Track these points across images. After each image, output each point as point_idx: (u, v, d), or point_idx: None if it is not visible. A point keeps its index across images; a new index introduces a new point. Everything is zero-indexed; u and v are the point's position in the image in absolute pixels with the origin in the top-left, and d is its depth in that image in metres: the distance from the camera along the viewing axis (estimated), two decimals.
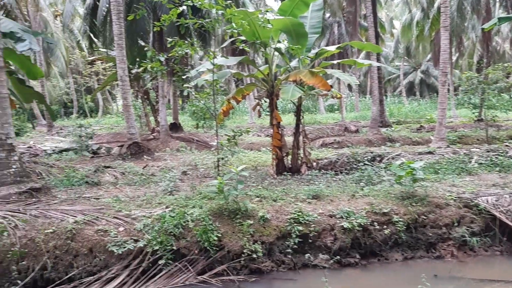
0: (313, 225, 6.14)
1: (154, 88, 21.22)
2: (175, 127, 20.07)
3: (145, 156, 12.49)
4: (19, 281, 5.26)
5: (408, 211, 6.56)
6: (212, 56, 7.59)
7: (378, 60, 22.50)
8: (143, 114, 21.73)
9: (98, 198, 7.22)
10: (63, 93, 40.99)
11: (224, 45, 9.20)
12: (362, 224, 6.24)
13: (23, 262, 5.41)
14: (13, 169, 6.92)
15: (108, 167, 9.97)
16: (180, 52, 6.97)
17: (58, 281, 5.34)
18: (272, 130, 9.64)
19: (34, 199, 6.65)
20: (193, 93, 7.77)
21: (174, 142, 16.57)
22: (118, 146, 13.90)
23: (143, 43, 8.70)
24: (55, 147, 15.03)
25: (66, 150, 14.23)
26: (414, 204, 6.68)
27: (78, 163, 11.17)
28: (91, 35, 18.31)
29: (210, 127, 24.46)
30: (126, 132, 13.68)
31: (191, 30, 17.35)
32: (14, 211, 6.06)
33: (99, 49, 20.54)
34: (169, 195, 7.39)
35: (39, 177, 8.24)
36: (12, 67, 12.59)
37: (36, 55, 25.03)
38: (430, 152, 11.44)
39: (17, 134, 8.32)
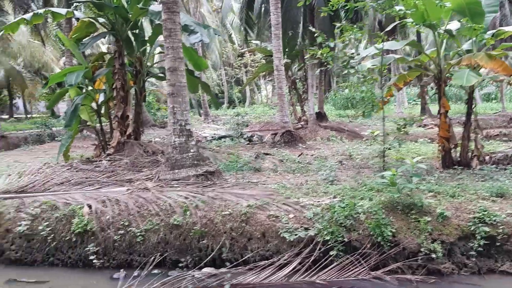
0: (501, 227, 5.43)
1: (300, 78, 21.40)
2: (320, 116, 19.98)
3: (299, 144, 12.61)
4: (200, 259, 5.65)
5: None
6: (380, 40, 7.19)
7: None
8: (290, 103, 22.06)
9: (264, 184, 7.43)
10: (215, 84, 44.06)
11: (388, 28, 8.65)
12: None
13: (203, 241, 5.79)
14: (191, 153, 7.49)
15: (267, 154, 10.29)
16: (351, 36, 6.78)
17: (235, 262, 5.58)
18: (431, 121, 8.85)
19: (209, 182, 7.12)
20: (362, 78, 7.49)
21: (323, 131, 16.52)
22: (272, 134, 14.29)
23: (313, 29, 8.62)
24: (214, 134, 16.17)
25: (224, 137, 15.18)
26: None
27: (237, 149, 11.76)
28: (246, 27, 19.11)
29: (355, 117, 23.94)
30: (275, 121, 13.96)
31: (341, 17, 17.02)
32: (194, 192, 6.55)
33: (252, 41, 21.41)
34: (330, 184, 7.27)
35: (208, 161, 8.81)
36: None
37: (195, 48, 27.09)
38: None
39: None
